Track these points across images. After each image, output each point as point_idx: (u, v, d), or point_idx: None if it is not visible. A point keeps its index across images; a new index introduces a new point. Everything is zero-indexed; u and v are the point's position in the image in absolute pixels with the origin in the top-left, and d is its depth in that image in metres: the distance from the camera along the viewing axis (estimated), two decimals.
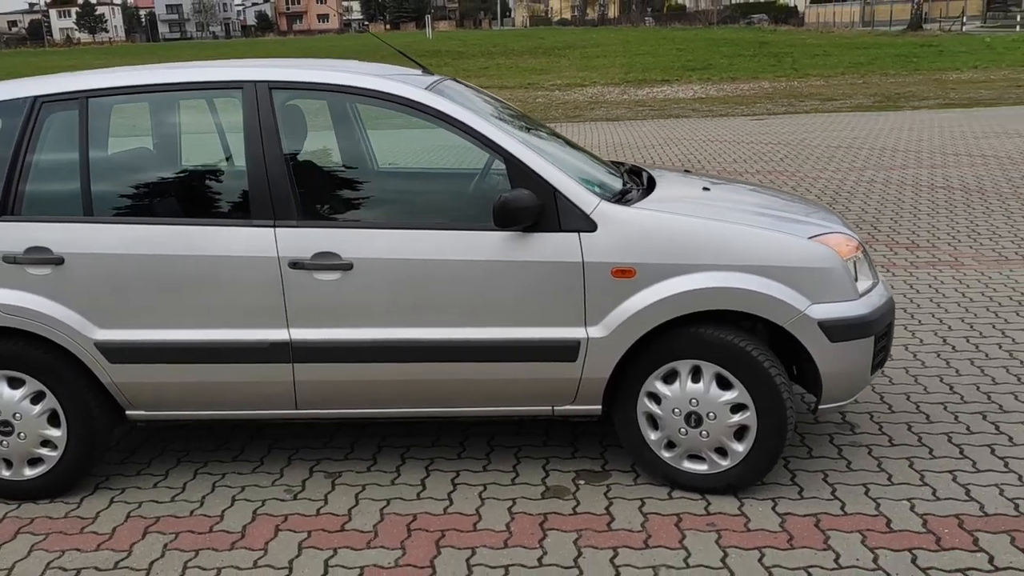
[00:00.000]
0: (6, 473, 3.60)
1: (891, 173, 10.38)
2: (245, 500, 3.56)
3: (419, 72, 3.95)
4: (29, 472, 3.60)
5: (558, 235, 3.31)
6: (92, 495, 3.66)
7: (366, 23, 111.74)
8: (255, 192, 3.41)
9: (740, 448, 3.37)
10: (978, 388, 4.32)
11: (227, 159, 3.92)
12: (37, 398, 3.52)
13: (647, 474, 3.56)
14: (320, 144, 4.03)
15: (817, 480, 3.51)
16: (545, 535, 3.22)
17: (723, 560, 3.03)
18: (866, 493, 3.40)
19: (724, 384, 3.34)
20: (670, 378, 3.40)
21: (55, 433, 3.55)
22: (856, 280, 3.38)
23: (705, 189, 3.89)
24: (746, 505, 3.36)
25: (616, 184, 3.71)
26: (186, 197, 3.67)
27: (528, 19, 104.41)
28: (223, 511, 3.49)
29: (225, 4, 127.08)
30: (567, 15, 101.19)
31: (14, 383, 3.52)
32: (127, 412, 3.62)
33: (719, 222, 3.39)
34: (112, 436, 3.69)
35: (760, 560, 3.02)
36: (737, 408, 3.34)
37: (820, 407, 3.44)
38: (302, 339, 3.41)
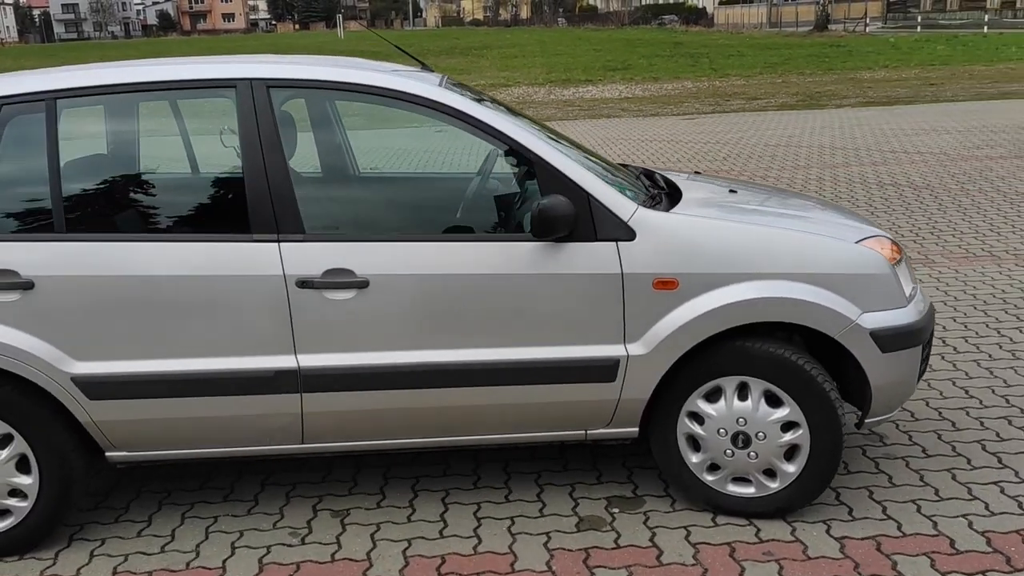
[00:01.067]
0: None
1: (836, 171, 10.42)
2: (247, 547, 3.19)
3: (419, 69, 3.63)
4: None
5: (594, 244, 3.04)
6: (68, 548, 3.23)
7: (274, 22, 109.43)
8: (255, 203, 3.05)
9: (791, 469, 3.15)
10: (993, 391, 4.21)
11: (219, 166, 3.52)
12: (3, 442, 3.09)
13: (686, 499, 3.32)
14: (311, 147, 3.66)
15: (863, 498, 3.33)
16: (593, 574, 2.94)
17: None
18: (918, 511, 3.23)
19: (773, 401, 3.12)
20: (713, 396, 3.16)
21: (25, 481, 3.11)
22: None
23: (732, 192, 3.68)
24: (798, 529, 3.15)
25: (640, 189, 3.46)
26: (174, 210, 3.28)
27: (440, 19, 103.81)
28: (224, 561, 3.11)
29: (124, 3, 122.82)
30: (479, 15, 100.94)
31: None
32: (108, 454, 3.20)
33: (764, 227, 3.17)
34: (89, 481, 3.27)
35: None
36: (788, 426, 3.12)
37: (867, 420, 3.26)
38: (311, 366, 3.06)
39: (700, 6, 71.43)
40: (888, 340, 3.10)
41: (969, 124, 13.98)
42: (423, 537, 3.20)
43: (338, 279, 3.01)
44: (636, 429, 3.24)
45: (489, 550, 3.11)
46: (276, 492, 3.57)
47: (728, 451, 3.15)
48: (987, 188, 9.04)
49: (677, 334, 3.04)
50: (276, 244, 3.03)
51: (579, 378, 3.10)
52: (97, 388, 3.03)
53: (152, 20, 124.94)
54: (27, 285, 2.97)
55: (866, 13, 52.03)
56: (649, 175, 3.88)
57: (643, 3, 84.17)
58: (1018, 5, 51.06)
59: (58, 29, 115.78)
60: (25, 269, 2.97)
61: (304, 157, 3.69)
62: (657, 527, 3.20)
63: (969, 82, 21.81)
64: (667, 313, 3.05)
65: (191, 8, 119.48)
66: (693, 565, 2.97)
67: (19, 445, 3.08)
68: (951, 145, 11.98)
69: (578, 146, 3.90)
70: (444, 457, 3.76)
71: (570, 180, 3.06)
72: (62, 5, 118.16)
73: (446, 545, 3.15)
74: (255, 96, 3.08)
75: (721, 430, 3.14)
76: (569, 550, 3.09)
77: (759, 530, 3.15)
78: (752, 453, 3.14)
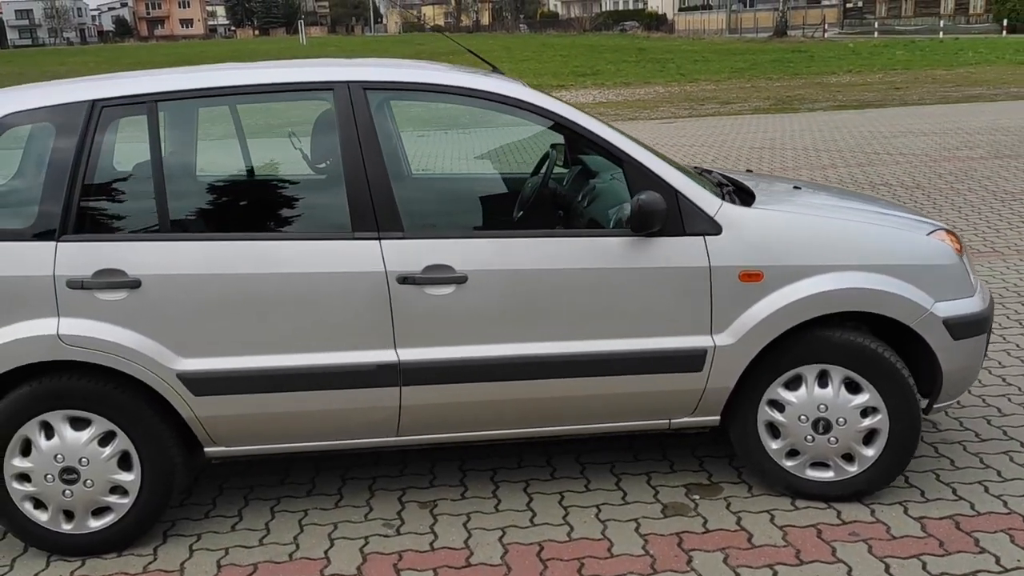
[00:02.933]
0: (67, 527, 3.17)
1: (826, 172, 10.67)
2: (345, 539, 3.26)
3: (491, 71, 3.73)
4: (94, 523, 3.18)
5: (683, 239, 3.17)
6: (165, 544, 3.27)
7: (232, 28, 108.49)
8: (355, 202, 3.12)
9: (870, 453, 3.29)
10: None
11: (320, 166, 3.58)
12: (106, 439, 3.12)
13: (764, 485, 3.45)
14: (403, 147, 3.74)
15: (932, 480, 3.48)
16: (690, 557, 3.06)
17: (887, 572, 2.94)
18: (986, 491, 3.38)
19: (851, 387, 3.26)
20: (792, 384, 3.29)
21: (127, 477, 3.15)
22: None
23: (796, 188, 3.82)
24: (877, 511, 3.29)
25: (712, 185, 3.58)
26: (277, 209, 3.33)
27: (401, 25, 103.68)
28: (326, 552, 3.18)
29: (79, 9, 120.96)
30: (440, 22, 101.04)
31: (77, 424, 3.11)
32: (206, 449, 3.25)
33: (843, 221, 3.32)
34: (188, 476, 3.31)
35: (924, 568, 2.94)
36: (867, 412, 3.26)
37: (935, 406, 3.41)
38: (411, 360, 3.14)
39: (660, 12, 72.19)
40: (959, 328, 3.25)
41: (943, 126, 14.36)
42: (515, 525, 3.30)
43: (438, 275, 3.10)
44: (718, 417, 3.36)
45: (584, 536, 3.21)
46: (358, 485, 3.63)
47: (808, 437, 3.28)
48: (975, 187, 9.32)
49: (763, 324, 3.17)
50: (377, 242, 3.10)
51: (668, 368, 3.21)
52: (202, 384, 3.09)
53: (108, 26, 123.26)
54: (134, 284, 3.02)
55: (824, 19, 52.97)
56: (708, 174, 4.01)
57: (603, 10, 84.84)
58: (971, 11, 52.28)
59: (12, 35, 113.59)
60: (132, 268, 3.02)
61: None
62: (741, 512, 3.33)
63: (933, 86, 22.34)
64: (752, 304, 3.18)
65: (148, 14, 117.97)
66: (785, 546, 3.09)
67: (122, 442, 3.12)
68: (931, 147, 12.31)
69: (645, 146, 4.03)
70: (519, 449, 3.86)
71: (659, 177, 3.18)
72: (16, 11, 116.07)
73: (540, 532, 3.24)
74: (353, 98, 3.16)
75: (802, 416, 3.27)
76: (661, 535, 3.20)
77: (839, 512, 3.29)
78: (832, 438, 3.27)
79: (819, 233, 3.23)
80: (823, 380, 3.27)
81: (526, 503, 3.45)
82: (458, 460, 3.81)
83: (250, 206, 3.37)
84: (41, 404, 3.07)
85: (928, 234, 3.35)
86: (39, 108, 3.13)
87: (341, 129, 3.15)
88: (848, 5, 60.79)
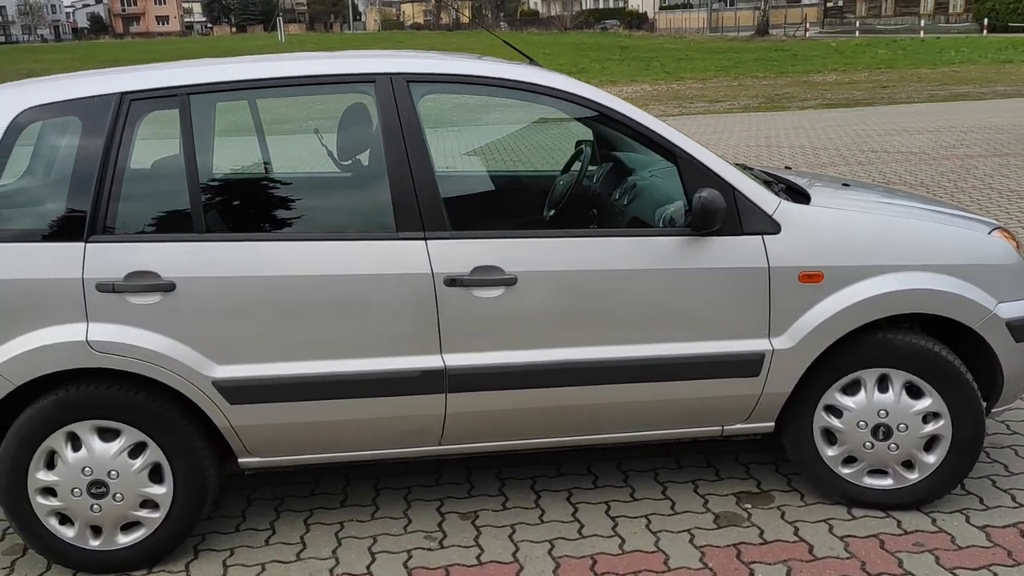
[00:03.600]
0: (94, 543, 3.01)
1: (827, 171, 10.59)
2: (386, 552, 3.11)
3: (528, 63, 3.59)
4: (123, 539, 3.02)
5: (741, 238, 3.04)
6: (196, 560, 3.11)
7: (209, 25, 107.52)
8: (399, 200, 2.97)
9: (931, 460, 3.18)
10: None
11: (361, 163, 3.41)
12: (136, 450, 2.96)
13: (818, 493, 3.33)
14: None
15: (988, 487, 3.38)
16: (752, 571, 2.93)
17: None
18: None
19: (911, 392, 3.15)
20: (850, 389, 3.18)
21: (158, 490, 2.99)
22: None
23: (845, 185, 3.71)
24: (938, 520, 3.18)
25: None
26: (317, 208, 3.18)
27: (380, 23, 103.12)
28: (368, 567, 3.03)
29: (54, 5, 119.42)
30: (419, 20, 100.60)
31: (106, 434, 2.95)
32: (241, 460, 3.10)
33: (904, 219, 3.20)
34: (219, 488, 3.15)
35: None
36: (928, 417, 3.15)
37: (993, 410, 3.31)
38: (458, 365, 2.99)
39: (641, 11, 72.23)
40: (1021, 330, 3.15)
41: (936, 125, 14.34)
42: (563, 537, 3.16)
43: (487, 276, 2.96)
44: (772, 424, 3.24)
45: (637, 549, 3.08)
46: (392, 496, 3.49)
47: (868, 443, 3.17)
48: (979, 186, 9.28)
49: (822, 327, 3.05)
50: (423, 242, 2.96)
51: (724, 373, 3.09)
52: (239, 392, 2.93)
53: (83, 23, 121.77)
54: (168, 287, 2.85)
55: (806, 18, 53.20)
56: (749, 171, 3.88)
57: (584, 8, 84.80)
58: (950, 11, 52.67)
59: None
60: (166, 271, 2.86)
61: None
62: (796, 521, 3.21)
63: (919, 84, 22.41)
64: (812, 306, 3.06)
65: (123, 11, 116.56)
66: (848, 558, 2.98)
67: (153, 453, 2.96)
68: (928, 145, 12.28)
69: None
70: (558, 456, 3.72)
71: (715, 174, 3.05)
72: None
73: (590, 545, 3.11)
74: (395, 90, 3.01)
75: (861, 423, 3.15)
76: (717, 547, 3.07)
77: (899, 522, 3.18)
78: (893, 445, 3.16)
79: (881, 232, 3.12)
80: (883, 385, 3.15)
81: (571, 513, 3.32)
82: (495, 468, 3.67)
83: (289, 205, 3.21)
84: (68, 414, 2.90)
85: (989, 232, 3.24)
86: (63, 101, 2.95)
87: (383, 123, 3.00)
88: (828, 4, 61.09)
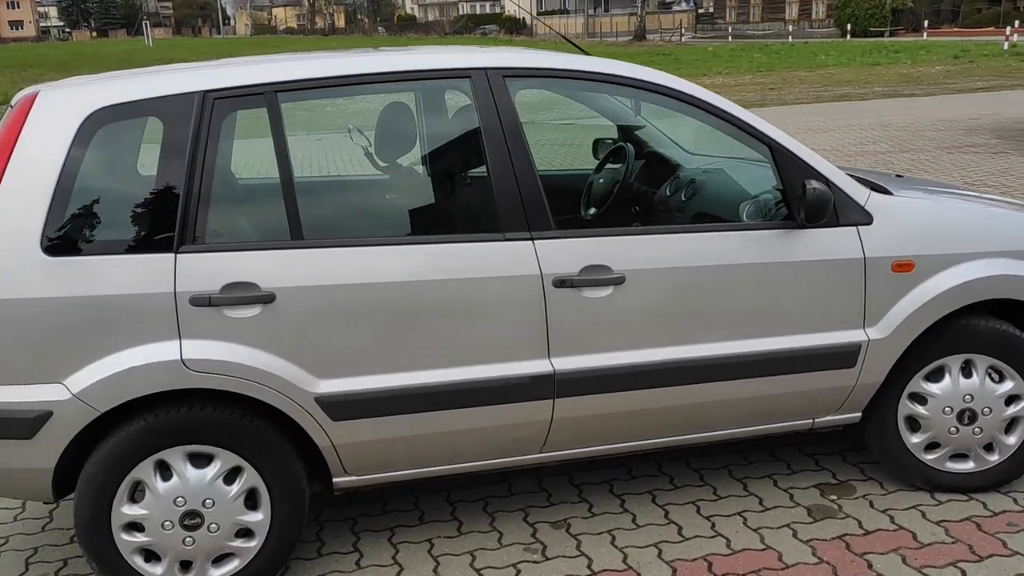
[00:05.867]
0: None
1: None
2: (491, 568, 2.98)
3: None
4: (215, 573, 2.78)
5: (838, 230, 3.05)
6: None
7: (68, 30, 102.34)
8: (503, 199, 2.85)
9: (1011, 441, 3.27)
10: None
11: (461, 161, 3.24)
12: (231, 476, 2.74)
13: (902, 480, 3.37)
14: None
15: None
16: (869, 563, 2.94)
17: None
18: None
19: (995, 376, 3.23)
20: (933, 376, 3.23)
21: (255, 517, 2.77)
22: None
23: (899, 176, 3.78)
24: (1020, 499, 3.27)
25: None
26: (415, 209, 3.01)
27: (251, 28, 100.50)
28: None
29: None
30: (292, 24, 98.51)
31: (197, 460, 2.71)
32: (335, 480, 2.90)
33: (984, 207, 3.28)
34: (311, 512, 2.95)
35: None
36: (1011, 400, 3.23)
37: None
38: (566, 369, 2.89)
39: (519, 16, 72.82)
40: None
41: (835, 124, 14.92)
42: (667, 540, 3.10)
43: (596, 276, 2.87)
44: (859, 414, 3.27)
45: (745, 547, 3.04)
46: (471, 509, 3.35)
47: (953, 429, 3.23)
48: None
49: (915, 316, 3.09)
50: (530, 242, 2.84)
51: (823, 365, 3.09)
52: (342, 408, 2.74)
53: None
54: (268, 298, 2.65)
55: (682, 24, 54.83)
56: None
57: (460, 14, 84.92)
58: (813, 16, 55.21)
59: None
60: (265, 281, 2.65)
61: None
62: (888, 510, 3.24)
63: (803, 86, 23.35)
64: (904, 295, 3.09)
65: None
66: (954, 543, 3.02)
67: (250, 478, 2.74)
68: (840, 143, 12.77)
69: None
70: (624, 460, 3.65)
71: (811, 166, 3.05)
72: None
73: (698, 547, 3.05)
74: (492, 85, 2.89)
75: (946, 408, 3.21)
76: (824, 540, 3.07)
77: (985, 504, 3.25)
78: (977, 429, 3.23)
79: (965, 221, 3.19)
80: (966, 370, 3.22)
81: (663, 516, 3.26)
82: (566, 474, 3.57)
83: (387, 206, 3.03)
84: (159, 440, 2.65)
85: None
86: (139, 101, 2.70)
87: (482, 120, 2.87)
88: (700, 11, 63.11)
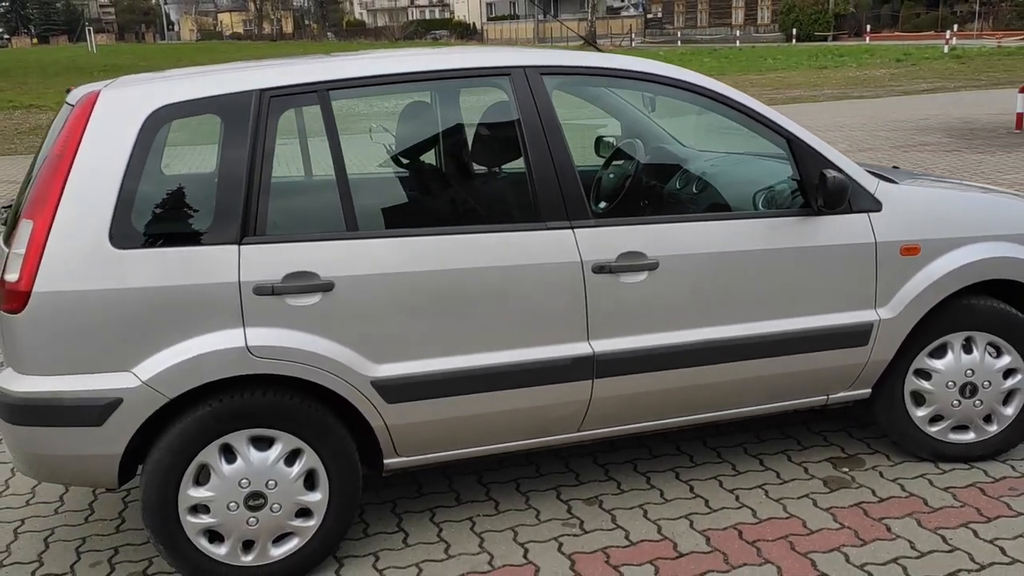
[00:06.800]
0: (246, 559, 2.87)
1: None
2: (534, 542, 3.12)
3: None
4: (276, 552, 2.90)
5: (851, 216, 3.26)
6: (345, 568, 3.02)
7: (6, 36, 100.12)
8: (543, 190, 3.01)
9: (1008, 412, 3.50)
10: None
11: (503, 155, 3.38)
12: (291, 458, 2.85)
13: (907, 451, 3.59)
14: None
15: None
16: (887, 526, 3.14)
17: None
18: None
19: (993, 352, 3.46)
20: (936, 353, 3.46)
21: (314, 497, 2.89)
22: None
23: (895, 167, 4.01)
24: (1017, 466, 3.51)
25: None
26: (462, 201, 3.15)
27: (196, 33, 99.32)
28: (525, 557, 3.04)
29: None
30: (239, 29, 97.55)
31: (260, 443, 2.82)
32: (386, 461, 3.03)
33: (981, 194, 3.52)
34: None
35: None
36: (1008, 373, 3.47)
37: None
38: (605, 351, 3.06)
39: (469, 22, 73.09)
40: None
41: None
42: (696, 512, 3.28)
43: (632, 262, 3.04)
44: (869, 391, 3.48)
45: (771, 516, 3.23)
46: (504, 489, 3.49)
47: (955, 402, 3.46)
48: None
49: (921, 296, 3.32)
50: (570, 231, 3.01)
51: (839, 344, 3.29)
52: (396, 390, 2.88)
53: None
54: (327, 287, 2.77)
55: (632, 29, 55.47)
56: None
57: (410, 19, 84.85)
58: (759, 21, 56.21)
59: None
60: (325, 270, 2.78)
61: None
62: (897, 479, 3.45)
63: (755, 90, 23.79)
64: (911, 277, 3.32)
65: None
66: (962, 506, 3.24)
67: (309, 459, 2.86)
68: (843, 138, 13.11)
69: None
70: (642, 441, 3.83)
71: (825, 157, 3.26)
72: None
73: (727, 517, 3.23)
74: (531, 83, 3.05)
75: (950, 383, 3.44)
76: (843, 507, 3.27)
77: (986, 471, 3.48)
78: (978, 401, 3.46)
79: (966, 207, 3.43)
80: (967, 346, 3.45)
81: (689, 490, 3.44)
82: (590, 455, 3.74)
83: (435, 198, 3.17)
84: (225, 425, 2.76)
85: None
86: (200, 99, 2.81)
87: (524, 114, 3.03)
88: (649, 16, 63.88)
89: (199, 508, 2.79)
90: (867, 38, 43.42)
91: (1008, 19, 45.31)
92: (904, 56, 30.82)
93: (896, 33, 46.76)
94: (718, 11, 58.31)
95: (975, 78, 23.01)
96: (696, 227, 3.15)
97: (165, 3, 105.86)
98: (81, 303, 2.62)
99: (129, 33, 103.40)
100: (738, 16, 57.65)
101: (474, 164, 3.47)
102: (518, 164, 3.08)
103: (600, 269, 3.01)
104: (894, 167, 4.08)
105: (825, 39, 46.79)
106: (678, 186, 3.98)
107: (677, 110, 3.98)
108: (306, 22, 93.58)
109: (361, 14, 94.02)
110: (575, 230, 3.01)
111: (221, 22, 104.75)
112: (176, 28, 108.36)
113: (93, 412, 2.66)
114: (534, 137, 3.02)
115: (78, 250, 2.64)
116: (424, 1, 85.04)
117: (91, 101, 2.76)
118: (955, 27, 38.41)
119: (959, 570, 2.88)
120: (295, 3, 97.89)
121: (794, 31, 47.71)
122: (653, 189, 4.02)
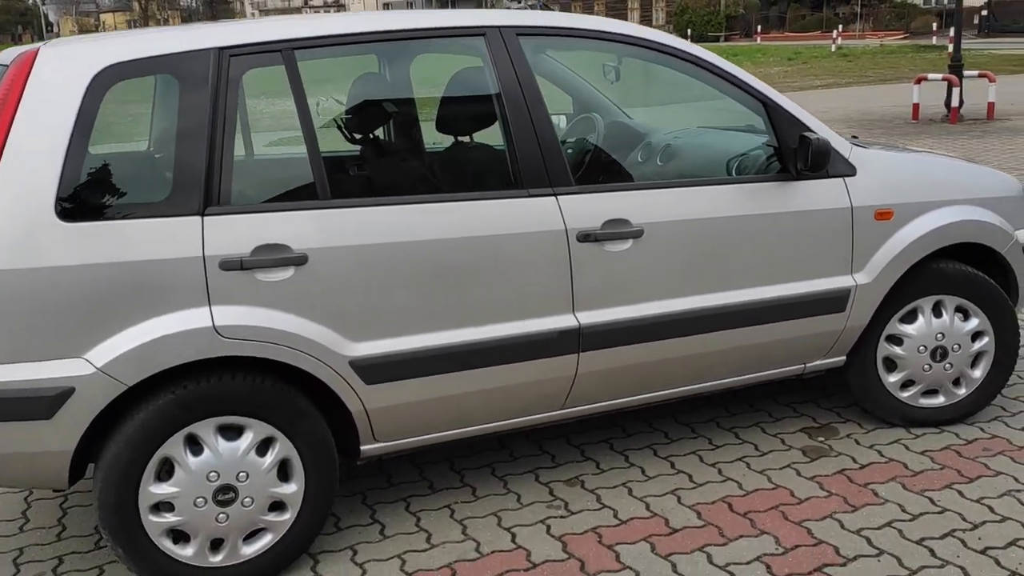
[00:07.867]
0: (215, 559, 2.63)
1: None
2: (521, 526, 2.97)
3: None
4: (247, 550, 2.67)
5: (828, 181, 3.22)
6: (321, 564, 2.80)
7: None
8: (524, 156, 2.86)
9: (976, 374, 3.52)
10: None
11: (480, 118, 3.17)
12: (263, 447, 2.63)
13: (880, 417, 3.56)
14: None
15: (1007, 400, 3.78)
16: (874, 491, 3.10)
17: None
18: None
19: (961, 315, 3.47)
20: (907, 318, 3.45)
21: (288, 489, 2.67)
22: None
23: (855, 137, 4.00)
24: (985, 428, 3.53)
25: None
26: (439, 167, 2.96)
27: (77, 34, 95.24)
28: (514, 541, 2.88)
29: None
30: (123, 29, 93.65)
31: (228, 433, 2.59)
32: (363, 447, 2.83)
33: (947, 160, 3.53)
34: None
35: None
36: (976, 336, 3.49)
37: None
38: (591, 323, 2.93)
39: None
40: None
41: None
42: (681, 487, 3.18)
43: (617, 230, 2.92)
44: (844, 358, 3.45)
45: (757, 488, 3.16)
46: (479, 475, 3.33)
47: (926, 366, 3.45)
48: None
49: (895, 260, 3.30)
50: (553, 197, 2.87)
51: (819, 310, 3.25)
52: (376, 371, 2.68)
53: None
54: (300, 260, 2.56)
55: None
56: None
57: None
58: (654, 23, 57.27)
59: None
60: (297, 242, 2.56)
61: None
62: (874, 445, 3.43)
63: None
64: (884, 241, 3.29)
65: None
66: (941, 468, 3.23)
67: (283, 448, 2.64)
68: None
69: None
70: (616, 421, 3.71)
71: (801, 121, 3.20)
72: None
73: (713, 491, 3.15)
74: (507, 43, 2.89)
75: (921, 347, 3.43)
76: (827, 475, 3.22)
77: (957, 434, 3.49)
78: (948, 364, 3.46)
79: (935, 172, 3.43)
80: (936, 311, 3.45)
81: (670, 467, 3.34)
82: (563, 436, 3.61)
83: (412, 166, 2.97)
84: (190, 413, 2.52)
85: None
86: (152, 58, 2.56)
87: (502, 76, 2.87)
88: None
89: (162, 506, 2.54)
90: (758, 38, 44.62)
91: (887, 20, 47.33)
92: (795, 55, 31.72)
93: (785, 33, 48.22)
94: (614, 12, 59.09)
95: (863, 75, 23.83)
96: (680, 193, 3.05)
97: (43, 3, 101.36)
98: (25, 282, 2.35)
99: (4, 34, 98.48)
100: (634, 17, 58.63)
101: (451, 129, 3.28)
102: (496, 129, 2.92)
103: (585, 237, 2.87)
104: (853, 136, 4.08)
105: (718, 39, 47.90)
106: (640, 159, 3.88)
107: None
108: (194, 22, 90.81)
109: (253, 14, 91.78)
110: (558, 197, 2.87)
111: (104, 23, 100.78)
112: (56, 29, 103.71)
113: (41, 404, 2.38)
114: (512, 99, 2.87)
115: (20, 224, 2.36)
116: (319, 2, 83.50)
117: (28, 60, 2.48)
118: (840, 28, 39.79)
119: (954, 529, 2.85)
120: (182, 3, 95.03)
121: (688, 32, 48.70)
122: (621, 160, 3.91)
